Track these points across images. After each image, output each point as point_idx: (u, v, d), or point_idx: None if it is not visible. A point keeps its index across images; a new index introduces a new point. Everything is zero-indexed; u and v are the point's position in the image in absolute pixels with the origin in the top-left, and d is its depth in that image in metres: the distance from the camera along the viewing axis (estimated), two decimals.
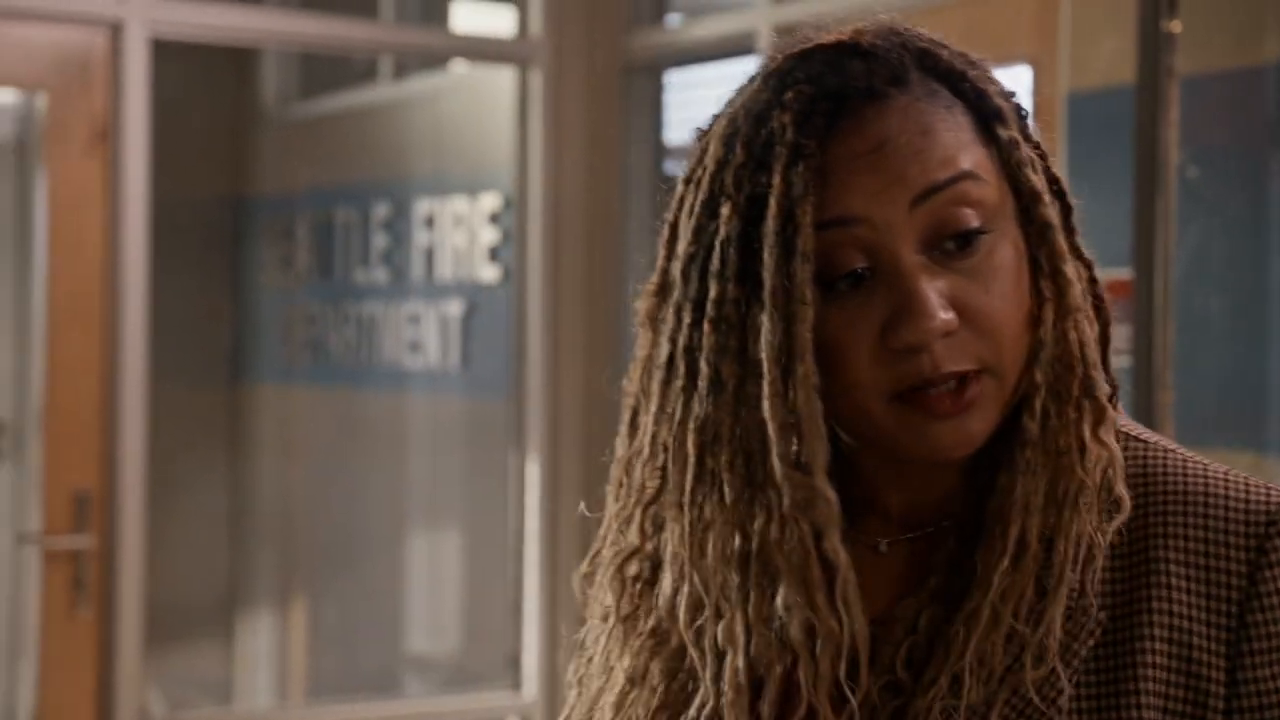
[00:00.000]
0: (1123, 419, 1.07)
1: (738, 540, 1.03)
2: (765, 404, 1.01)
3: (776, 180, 1.01)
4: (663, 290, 1.09)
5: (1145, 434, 1.09)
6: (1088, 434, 1.03)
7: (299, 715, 4.82)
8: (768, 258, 1.00)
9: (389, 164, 5.23)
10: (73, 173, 3.87)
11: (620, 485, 1.10)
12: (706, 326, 1.03)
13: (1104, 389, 1.04)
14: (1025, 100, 1.08)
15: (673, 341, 1.06)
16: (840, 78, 1.02)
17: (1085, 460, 1.02)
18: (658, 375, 1.06)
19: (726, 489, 1.03)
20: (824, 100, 1.02)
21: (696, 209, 1.06)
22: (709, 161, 1.06)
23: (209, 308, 5.63)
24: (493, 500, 4.57)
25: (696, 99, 4.45)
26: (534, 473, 4.32)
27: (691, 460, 1.04)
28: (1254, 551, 1.01)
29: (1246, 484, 1.04)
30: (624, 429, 1.10)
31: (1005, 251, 1.03)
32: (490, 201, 4.62)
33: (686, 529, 1.04)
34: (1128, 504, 1.02)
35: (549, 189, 4.30)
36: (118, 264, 3.86)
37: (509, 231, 4.49)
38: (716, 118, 1.08)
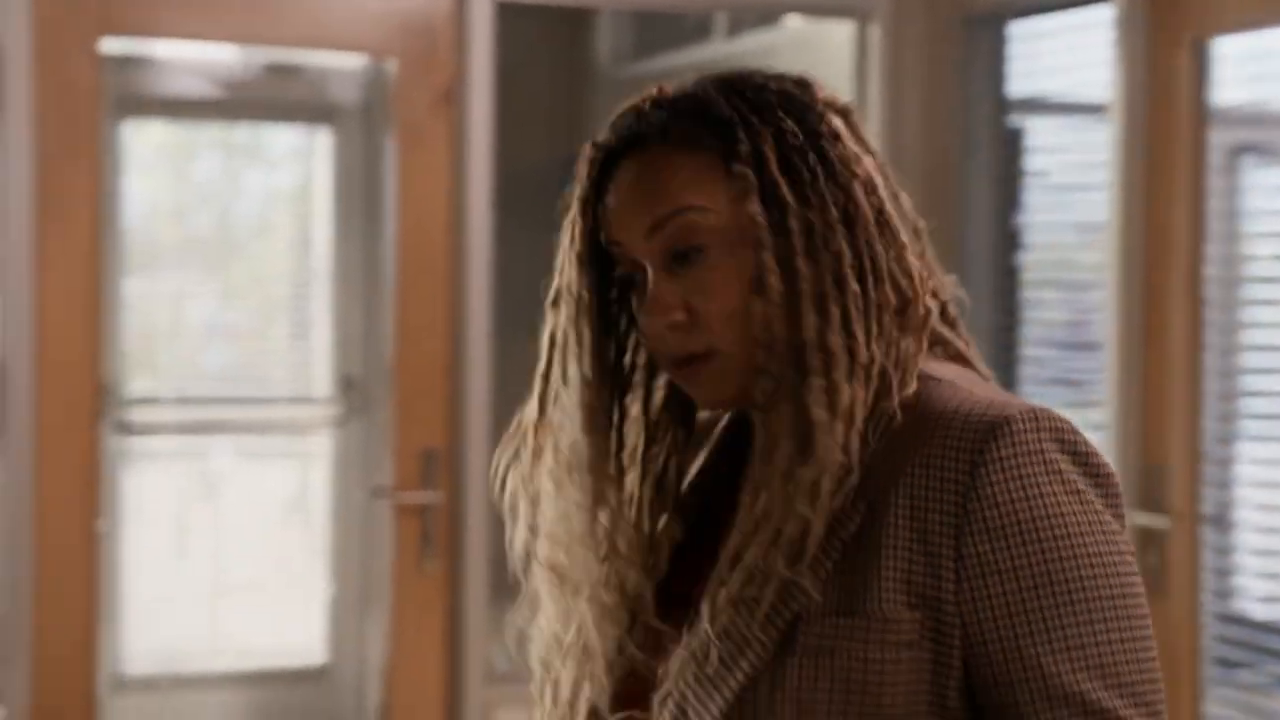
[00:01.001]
0: (933, 363, 1.38)
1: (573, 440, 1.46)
2: (586, 357, 1.44)
3: (574, 213, 1.43)
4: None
5: (944, 374, 1.37)
6: (816, 388, 1.32)
7: None
8: (564, 265, 1.45)
9: None
10: (420, 136, 3.94)
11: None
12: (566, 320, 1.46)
13: (822, 360, 1.32)
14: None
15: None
16: (619, 133, 1.40)
17: (814, 409, 1.32)
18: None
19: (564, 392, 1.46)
20: (606, 152, 1.41)
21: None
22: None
23: (546, 267, 5.69)
24: None
25: (1041, 50, 4.30)
26: None
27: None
28: (976, 454, 1.29)
29: (988, 404, 1.32)
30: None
31: (727, 263, 1.35)
32: None
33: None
34: (896, 418, 1.33)
35: (887, 145, 4.21)
36: (462, 225, 3.93)
37: None
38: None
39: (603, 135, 1.42)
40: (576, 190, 1.43)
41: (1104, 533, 1.30)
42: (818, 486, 1.31)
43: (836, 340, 1.33)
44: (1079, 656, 1.27)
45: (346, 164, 5.87)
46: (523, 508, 1.49)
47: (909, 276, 1.38)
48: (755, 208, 1.35)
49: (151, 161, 5.84)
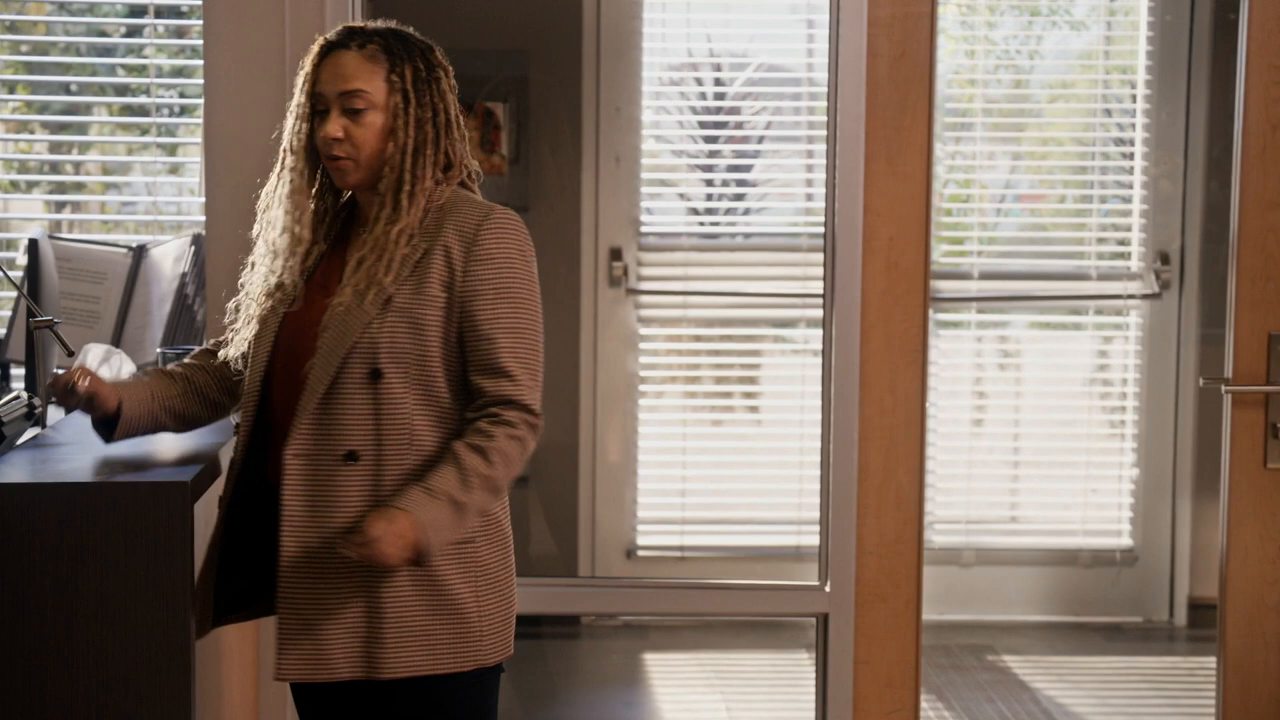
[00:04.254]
0: (462, 191, 2.80)
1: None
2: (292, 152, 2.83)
3: (302, 76, 2.78)
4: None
5: (466, 195, 2.79)
6: (404, 185, 2.72)
7: None
8: (295, 96, 2.80)
9: None
10: None
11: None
12: (293, 124, 2.80)
13: (410, 174, 2.73)
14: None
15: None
16: (336, 39, 2.77)
17: (401, 194, 2.72)
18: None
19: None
20: (332, 44, 2.76)
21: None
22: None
23: None
24: None
25: None
26: None
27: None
28: (480, 220, 2.71)
29: (488, 205, 2.76)
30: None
31: (375, 117, 2.73)
32: None
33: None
34: (439, 206, 2.76)
35: None
36: None
37: None
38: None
39: (324, 40, 2.78)
40: (305, 64, 2.77)
41: (531, 279, 2.73)
42: (401, 232, 2.69)
43: (419, 167, 2.72)
44: (505, 340, 2.69)
45: (1166, 22, 5.50)
46: (260, 215, 2.85)
47: (456, 154, 2.78)
48: (396, 99, 2.73)
49: (952, 26, 5.69)
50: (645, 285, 5.45)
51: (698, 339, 5.64)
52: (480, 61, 5.23)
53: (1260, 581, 3.67)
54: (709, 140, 5.56)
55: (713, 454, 5.62)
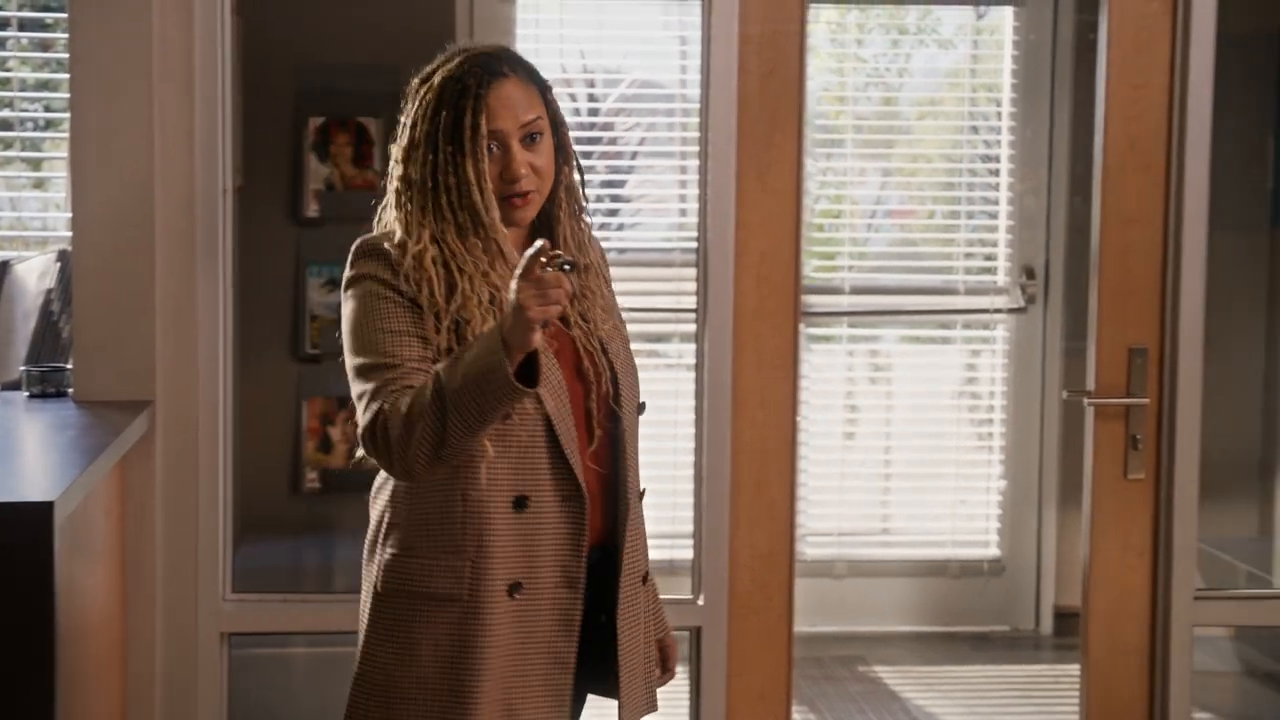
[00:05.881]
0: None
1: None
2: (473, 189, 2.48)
3: (470, 103, 2.46)
4: (411, 148, 2.49)
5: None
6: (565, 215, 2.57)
7: None
8: (467, 135, 2.45)
9: None
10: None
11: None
12: (441, 157, 2.45)
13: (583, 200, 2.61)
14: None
15: (421, 168, 2.47)
16: (492, 65, 2.50)
17: (580, 219, 2.61)
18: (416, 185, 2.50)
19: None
20: (485, 73, 2.48)
21: (429, 112, 2.47)
22: (432, 93, 2.48)
23: (1252, 147, 5.27)
24: None
25: None
26: None
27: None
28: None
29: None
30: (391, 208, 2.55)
31: (546, 143, 2.51)
32: None
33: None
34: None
35: None
36: (1182, 99, 3.62)
37: None
38: (434, 74, 2.51)
39: (475, 67, 2.49)
40: (469, 93, 2.47)
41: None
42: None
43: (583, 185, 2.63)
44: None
45: (1030, 41, 5.61)
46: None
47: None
48: (551, 120, 2.54)
49: (822, 44, 5.76)
50: None
51: None
52: (353, 76, 5.21)
53: (1121, 590, 3.75)
54: (583, 156, 5.56)
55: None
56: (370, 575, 2.53)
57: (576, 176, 2.57)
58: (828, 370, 5.70)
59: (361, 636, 2.54)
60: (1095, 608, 3.76)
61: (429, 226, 2.45)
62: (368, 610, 2.52)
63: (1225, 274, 4.86)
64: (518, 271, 2.28)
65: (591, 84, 5.61)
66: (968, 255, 5.78)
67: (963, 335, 5.83)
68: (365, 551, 2.57)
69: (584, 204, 2.59)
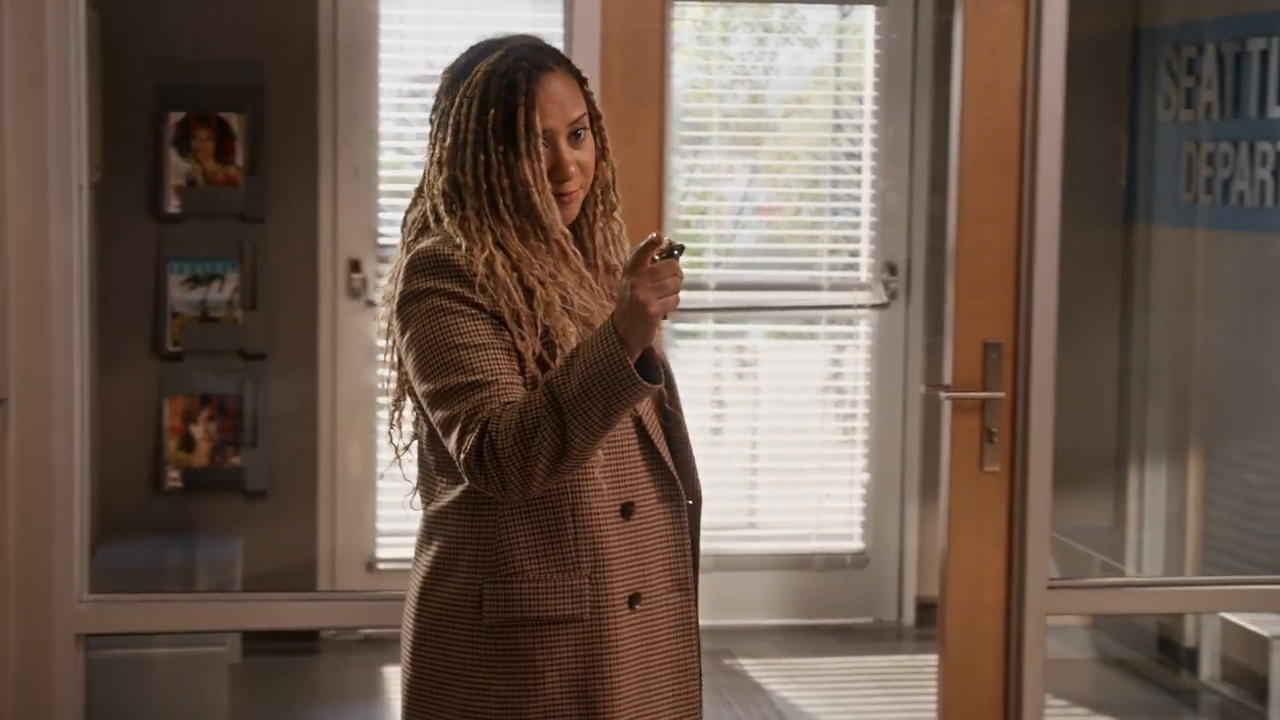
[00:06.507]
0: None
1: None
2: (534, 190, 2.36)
3: (521, 100, 2.34)
4: (457, 149, 2.35)
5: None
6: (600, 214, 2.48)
7: (1199, 591, 4.53)
8: (522, 134, 2.33)
9: None
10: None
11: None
12: (494, 159, 2.33)
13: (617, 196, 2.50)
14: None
15: (473, 170, 2.34)
16: (537, 58, 2.38)
17: (614, 215, 2.50)
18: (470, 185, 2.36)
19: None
20: (534, 68, 2.36)
21: (474, 110, 2.34)
22: (475, 90, 2.35)
23: (1105, 145, 5.38)
24: None
25: None
26: None
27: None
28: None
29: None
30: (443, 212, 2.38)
31: (589, 139, 2.41)
32: None
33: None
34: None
35: None
36: (1035, 98, 3.69)
37: None
38: (474, 70, 2.37)
39: (521, 60, 2.38)
40: (519, 87, 2.34)
41: None
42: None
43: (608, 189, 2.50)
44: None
45: (891, 40, 5.68)
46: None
47: None
48: (592, 115, 2.44)
49: (688, 41, 5.79)
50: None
51: None
52: (214, 72, 5.16)
53: (978, 581, 3.81)
54: None
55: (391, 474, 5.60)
56: (440, 608, 2.34)
57: (610, 174, 2.46)
58: (694, 366, 5.74)
59: (452, 672, 2.32)
60: (952, 598, 3.82)
61: (489, 232, 2.31)
62: (467, 645, 2.31)
63: (1080, 269, 4.97)
64: (628, 265, 2.18)
65: None
66: (832, 251, 5.85)
67: (827, 331, 5.89)
68: (424, 583, 2.36)
69: (616, 201, 2.47)
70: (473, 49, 2.41)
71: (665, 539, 2.37)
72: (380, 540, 5.45)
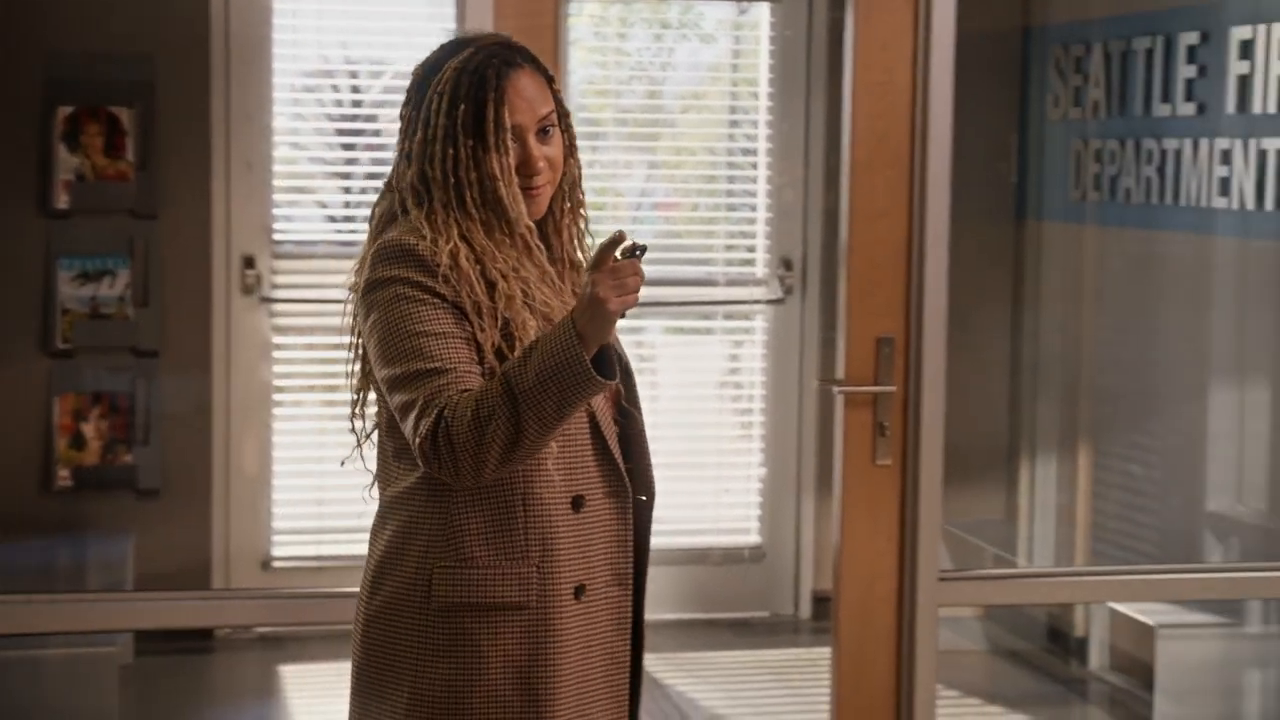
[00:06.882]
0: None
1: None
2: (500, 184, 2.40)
3: (491, 96, 2.38)
4: (427, 143, 2.39)
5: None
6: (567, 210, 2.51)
7: (1087, 581, 4.59)
8: (491, 129, 2.38)
9: None
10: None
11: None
12: (462, 153, 2.38)
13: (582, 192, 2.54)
14: None
15: (441, 165, 2.38)
16: (506, 55, 2.42)
17: (579, 212, 2.53)
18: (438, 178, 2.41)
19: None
20: (502, 64, 2.40)
21: (444, 106, 2.38)
22: (445, 86, 2.38)
23: (996, 143, 5.44)
24: None
25: None
26: None
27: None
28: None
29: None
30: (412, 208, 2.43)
31: (558, 135, 2.45)
32: None
33: None
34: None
35: None
36: (925, 98, 3.73)
37: None
38: (444, 67, 2.40)
39: (492, 57, 2.41)
40: (489, 84, 2.38)
41: None
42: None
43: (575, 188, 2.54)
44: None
45: (786, 37, 5.71)
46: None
47: None
48: (559, 111, 2.48)
49: (585, 37, 5.80)
50: (280, 294, 5.39)
51: (336, 347, 5.59)
52: (103, 65, 5.10)
53: (871, 574, 3.85)
54: (347, 148, 5.53)
55: (352, 461, 5.58)
56: (392, 592, 2.37)
57: (577, 172, 2.51)
58: None
59: (399, 654, 2.37)
60: (846, 592, 3.85)
61: (455, 225, 2.36)
62: (415, 628, 2.35)
63: (972, 265, 5.03)
64: (590, 262, 2.23)
65: (355, 75, 5.57)
66: (729, 247, 5.87)
67: (724, 327, 5.92)
68: (378, 567, 2.41)
69: (582, 199, 2.52)
70: (443, 47, 2.46)
71: (610, 533, 2.42)
72: (276, 538, 5.41)
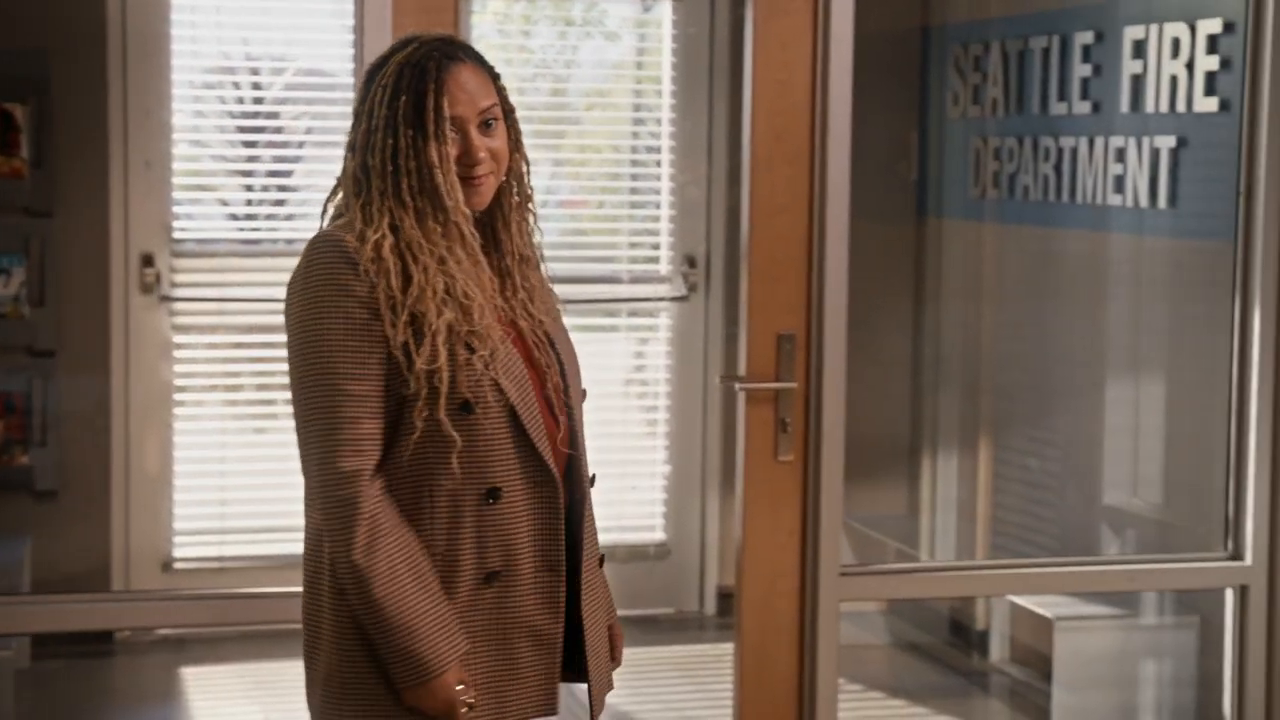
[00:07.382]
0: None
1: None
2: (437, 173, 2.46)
3: (431, 87, 2.45)
4: (369, 134, 2.47)
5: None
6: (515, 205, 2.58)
7: (985, 575, 4.64)
8: (430, 119, 2.45)
9: None
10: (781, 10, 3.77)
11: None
12: (402, 142, 2.44)
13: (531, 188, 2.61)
14: None
15: (381, 154, 2.45)
16: (448, 49, 2.49)
17: (528, 208, 2.60)
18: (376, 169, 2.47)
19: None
20: (443, 57, 2.47)
21: (386, 97, 2.45)
22: (388, 79, 2.46)
23: (896, 141, 5.48)
24: (1202, 349, 4.23)
25: None
26: (1258, 322, 3.96)
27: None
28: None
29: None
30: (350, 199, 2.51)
31: (501, 129, 2.52)
32: (1210, 27, 4.22)
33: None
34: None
35: None
36: (824, 96, 3.75)
37: (1229, 59, 4.11)
38: (388, 62, 2.49)
39: (434, 52, 2.49)
40: (430, 76, 2.46)
41: None
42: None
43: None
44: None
45: (689, 35, 5.73)
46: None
47: None
48: (504, 106, 2.56)
49: (489, 34, 5.79)
50: (180, 292, 5.34)
51: (238, 346, 5.56)
52: None
53: (773, 569, 3.87)
54: (248, 145, 5.48)
55: (256, 462, 5.55)
56: (314, 571, 2.48)
57: (524, 167, 2.58)
58: None
59: (323, 636, 2.49)
60: (748, 587, 3.87)
61: (388, 214, 2.43)
62: (330, 610, 2.46)
63: (873, 262, 5.07)
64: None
65: (256, 72, 5.52)
66: (633, 245, 5.88)
67: (628, 324, 5.93)
68: (305, 552, 2.51)
69: (530, 193, 2.59)
70: (392, 45, 2.53)
71: (535, 522, 2.48)
72: (177, 539, 5.36)
